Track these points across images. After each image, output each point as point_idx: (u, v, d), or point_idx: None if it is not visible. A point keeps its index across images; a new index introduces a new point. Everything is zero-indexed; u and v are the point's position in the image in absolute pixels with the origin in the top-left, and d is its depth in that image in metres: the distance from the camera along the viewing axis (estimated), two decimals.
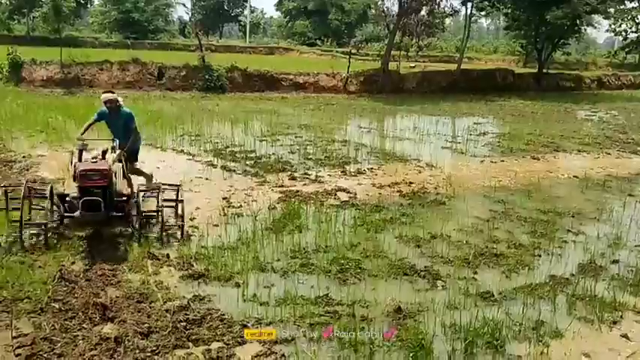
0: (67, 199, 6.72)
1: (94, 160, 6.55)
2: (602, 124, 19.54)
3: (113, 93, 7.74)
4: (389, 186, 9.91)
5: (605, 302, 5.64)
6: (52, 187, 6.79)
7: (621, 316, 5.42)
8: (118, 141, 7.47)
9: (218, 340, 4.69)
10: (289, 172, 10.44)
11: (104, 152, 7.00)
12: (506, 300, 5.66)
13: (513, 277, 6.27)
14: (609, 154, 14.11)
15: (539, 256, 6.94)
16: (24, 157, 10.59)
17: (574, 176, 11.40)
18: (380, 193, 9.42)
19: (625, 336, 5.06)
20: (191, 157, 11.43)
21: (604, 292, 5.89)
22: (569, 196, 9.86)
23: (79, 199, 6.34)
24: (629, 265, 6.71)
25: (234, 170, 10.49)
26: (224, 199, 8.66)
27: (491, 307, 5.47)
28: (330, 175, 10.47)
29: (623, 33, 46.26)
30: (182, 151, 11.95)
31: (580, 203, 9.41)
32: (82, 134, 7.49)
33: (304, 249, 6.72)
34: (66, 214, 6.64)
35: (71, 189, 7.00)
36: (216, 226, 7.45)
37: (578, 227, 8.08)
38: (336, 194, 9.19)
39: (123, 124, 7.71)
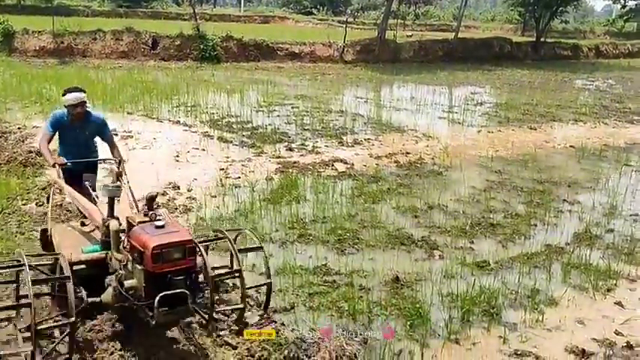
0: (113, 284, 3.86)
1: (159, 221, 3.73)
2: (599, 94, 19.49)
3: (82, 91, 5.25)
4: (386, 156, 9.92)
5: (600, 270, 5.72)
6: (63, 261, 3.85)
7: (615, 284, 5.50)
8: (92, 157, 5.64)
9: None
10: (286, 143, 10.41)
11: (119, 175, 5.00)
12: (502, 269, 5.73)
13: (509, 246, 6.33)
14: (606, 123, 14.11)
15: (535, 225, 7.00)
16: (19, 128, 10.51)
17: (570, 146, 11.42)
18: (377, 164, 9.42)
19: (619, 303, 5.14)
20: (187, 127, 11.37)
21: (598, 261, 5.96)
22: (565, 166, 9.89)
23: (150, 292, 3.60)
24: (623, 234, 6.78)
25: (231, 141, 10.45)
26: (221, 170, 8.66)
27: (488, 275, 5.54)
28: (327, 146, 10.45)
29: (622, 1, 45.74)
30: (178, 121, 11.88)
31: (576, 173, 9.45)
32: (52, 157, 5.18)
33: (302, 220, 6.76)
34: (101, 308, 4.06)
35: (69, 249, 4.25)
36: (214, 197, 7.46)
37: (574, 197, 8.14)
38: (333, 165, 9.19)
39: (91, 134, 5.48)
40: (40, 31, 21.55)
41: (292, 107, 14.03)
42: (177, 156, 9.38)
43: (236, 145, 10.25)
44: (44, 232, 4.91)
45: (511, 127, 13.14)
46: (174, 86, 16.01)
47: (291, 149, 10.07)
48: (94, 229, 4.49)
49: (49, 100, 12.95)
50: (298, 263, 5.61)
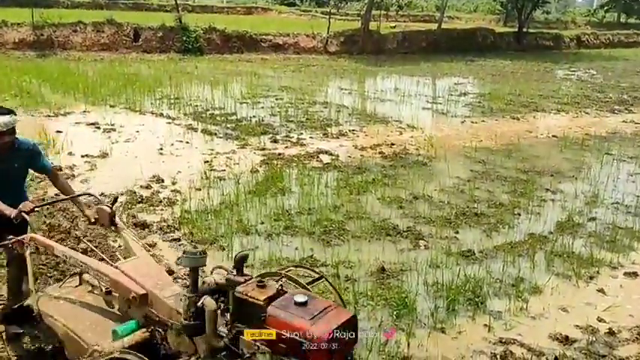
0: None
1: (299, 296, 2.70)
2: (580, 84, 19.67)
3: (12, 112, 3.75)
4: (370, 148, 9.93)
5: (583, 258, 5.80)
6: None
7: (598, 272, 5.57)
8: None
9: None
10: (271, 135, 10.38)
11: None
12: (486, 258, 5.77)
13: (494, 235, 6.38)
14: (587, 113, 14.26)
15: (519, 214, 7.06)
16: None
17: (553, 136, 11.53)
18: (362, 155, 9.44)
19: (601, 290, 5.21)
20: (171, 120, 11.27)
21: (581, 249, 6.04)
22: (548, 156, 9.99)
23: None
24: (605, 222, 6.87)
25: (215, 133, 10.39)
26: (206, 162, 8.61)
27: (473, 265, 5.59)
28: (311, 138, 10.44)
29: None
30: (161, 114, 11.78)
31: (559, 162, 9.54)
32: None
33: (288, 211, 6.75)
34: None
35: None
36: (199, 190, 7.42)
37: (557, 186, 8.22)
38: (318, 156, 9.18)
39: (21, 168, 4.06)
40: (19, 23, 21.14)
41: (276, 99, 13.97)
42: (161, 149, 9.31)
43: (220, 137, 10.20)
44: (19, 310, 3.67)
45: (495, 117, 13.22)
46: (156, 79, 15.86)
47: (275, 141, 10.04)
48: (90, 290, 3.43)
49: (29, 94, 12.77)
50: (284, 255, 5.61)
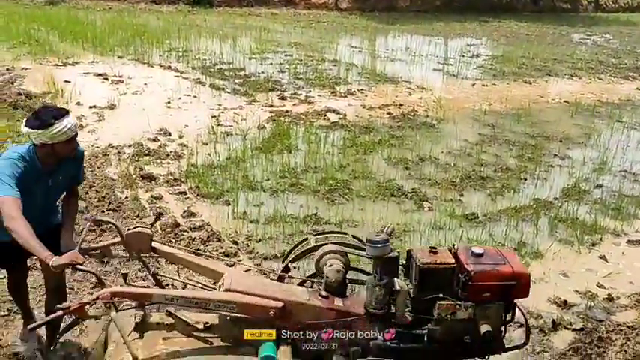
0: None
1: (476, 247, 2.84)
2: (596, 48, 19.27)
3: (68, 112, 3.04)
4: (379, 108, 9.85)
5: (586, 225, 5.81)
6: None
7: (600, 239, 5.60)
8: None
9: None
10: (279, 92, 10.30)
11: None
12: (490, 222, 5.80)
13: (498, 199, 6.39)
14: (601, 79, 14.02)
15: (525, 179, 7.05)
16: (7, 69, 10.31)
17: (564, 101, 11.38)
18: (370, 115, 9.38)
19: (603, 257, 5.25)
20: (179, 73, 11.19)
21: (585, 216, 6.05)
22: (558, 121, 9.88)
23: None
24: (611, 190, 6.85)
25: (223, 88, 10.33)
26: (213, 117, 8.59)
27: (476, 228, 5.62)
28: (320, 96, 10.35)
29: None
30: (169, 67, 11.69)
31: (568, 128, 9.45)
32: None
33: (293, 169, 6.77)
34: None
35: None
36: (206, 144, 7.43)
37: (565, 152, 8.17)
38: (325, 115, 9.13)
39: (66, 182, 3.28)
40: None
41: (285, 55, 13.80)
42: (169, 102, 9.28)
43: (228, 92, 10.14)
44: None
45: (506, 80, 13.03)
46: (165, 30, 15.66)
47: (283, 98, 9.97)
48: (167, 336, 2.64)
49: (37, 42, 12.67)
50: (289, 212, 5.66)
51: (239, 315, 2.61)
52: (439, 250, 2.82)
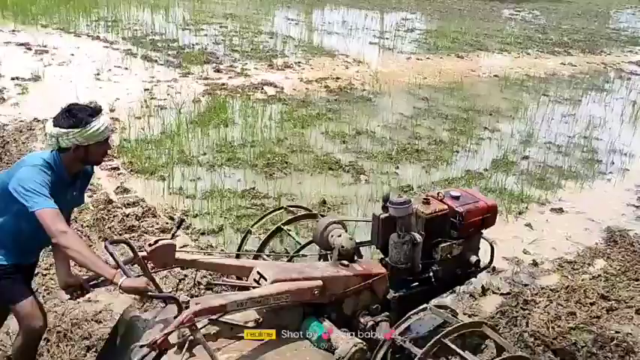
0: None
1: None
2: (524, 24, 19.92)
3: (101, 110, 2.72)
4: (316, 81, 9.85)
5: (514, 195, 6.08)
6: None
7: (527, 208, 5.88)
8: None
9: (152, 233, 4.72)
10: (214, 64, 10.09)
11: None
12: (424, 193, 5.94)
13: (432, 171, 6.58)
14: (529, 54, 14.54)
15: (457, 152, 7.28)
16: None
17: (494, 75, 11.74)
18: (307, 88, 9.36)
19: (528, 225, 5.52)
20: (108, 44, 10.73)
21: (513, 186, 6.33)
22: (488, 95, 10.21)
23: None
24: (537, 161, 7.19)
25: (156, 60, 10.00)
26: (146, 90, 8.34)
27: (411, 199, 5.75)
28: (256, 69, 10.22)
29: None
30: (98, 37, 11.19)
31: (498, 102, 9.79)
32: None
33: (230, 143, 6.69)
34: None
35: None
36: (139, 118, 7.22)
37: (495, 125, 8.47)
38: (263, 88, 9.04)
39: (80, 192, 2.97)
40: None
41: (221, 27, 13.49)
42: (98, 74, 8.90)
43: (161, 64, 9.84)
44: None
45: (440, 55, 13.28)
46: None
47: (219, 71, 9.78)
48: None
49: None
50: (226, 186, 5.61)
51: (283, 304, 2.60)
52: (430, 199, 3.10)
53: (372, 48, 13.39)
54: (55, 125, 2.58)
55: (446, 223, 3.09)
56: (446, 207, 3.08)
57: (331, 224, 3.00)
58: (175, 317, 2.27)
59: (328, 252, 3.02)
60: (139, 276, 2.44)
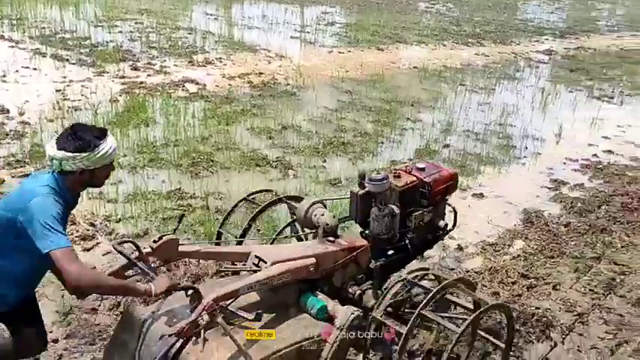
0: None
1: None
2: (439, 17, 20.56)
3: (106, 131, 2.62)
4: (239, 77, 9.72)
5: None
6: None
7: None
8: None
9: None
10: (131, 62, 9.73)
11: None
12: (352, 185, 5.98)
13: (359, 163, 6.66)
14: (444, 45, 15.02)
15: (382, 143, 7.41)
16: None
17: (414, 67, 12.05)
18: (230, 84, 9.22)
19: (452, 211, 5.69)
20: (14, 44, 10.11)
21: None
22: (409, 86, 10.46)
23: None
24: (457, 149, 7.45)
25: (68, 59, 9.52)
26: (58, 91, 7.92)
27: (339, 191, 5.81)
28: (176, 66, 9.96)
29: None
30: (2, 36, 10.51)
31: (418, 92, 10.05)
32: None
33: (152, 143, 6.49)
34: None
35: None
36: (52, 121, 6.85)
37: (416, 115, 8.70)
38: (183, 85, 8.82)
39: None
40: None
41: (136, 23, 13.02)
42: (4, 76, 8.37)
43: (73, 63, 9.37)
44: None
45: (360, 47, 13.47)
46: None
47: (136, 68, 9.45)
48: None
49: None
50: (150, 188, 5.44)
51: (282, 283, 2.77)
52: (400, 173, 3.41)
53: (294, 42, 13.38)
54: (59, 148, 2.41)
55: (416, 193, 3.41)
56: (415, 179, 3.40)
57: (313, 204, 3.21)
58: (194, 306, 2.42)
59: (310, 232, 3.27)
60: (153, 275, 2.54)
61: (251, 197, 3.85)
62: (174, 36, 12.11)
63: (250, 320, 2.50)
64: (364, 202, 3.29)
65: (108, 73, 9.02)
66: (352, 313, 2.78)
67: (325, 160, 6.63)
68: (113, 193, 5.31)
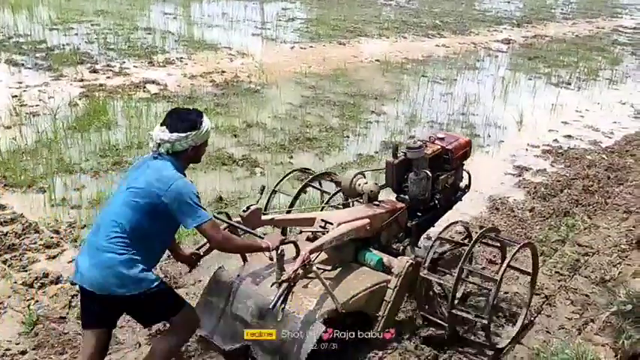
0: None
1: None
2: (399, 9, 20.71)
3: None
4: (201, 76, 9.61)
5: None
6: None
7: None
8: None
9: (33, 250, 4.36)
10: (89, 65, 9.53)
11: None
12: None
13: (326, 158, 6.67)
14: (405, 37, 15.16)
15: (348, 137, 7.44)
16: None
17: (376, 60, 12.12)
18: (192, 84, 9.11)
19: None
20: None
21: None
22: (372, 79, 10.52)
23: None
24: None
25: (23, 64, 9.27)
26: (14, 97, 7.69)
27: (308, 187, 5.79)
28: (136, 67, 9.79)
29: None
30: None
31: (381, 85, 10.12)
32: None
33: (115, 146, 6.36)
34: None
35: None
36: (9, 128, 6.66)
37: (381, 108, 8.75)
38: (144, 86, 8.67)
39: None
40: None
41: (92, 24, 12.74)
42: None
43: (29, 68, 9.13)
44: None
45: (322, 42, 13.48)
46: None
47: (95, 71, 9.25)
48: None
49: None
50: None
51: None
52: (427, 143, 3.91)
53: (255, 39, 13.31)
54: (172, 131, 2.71)
55: (441, 159, 3.95)
56: (439, 147, 3.93)
57: (356, 175, 3.72)
58: (295, 257, 2.88)
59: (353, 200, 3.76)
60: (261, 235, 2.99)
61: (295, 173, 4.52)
62: (133, 37, 11.89)
63: (329, 271, 3.19)
64: (399, 170, 3.81)
65: (66, 76, 8.80)
66: (407, 262, 3.34)
67: (292, 157, 6.61)
68: (77, 199, 5.20)
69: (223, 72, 9.96)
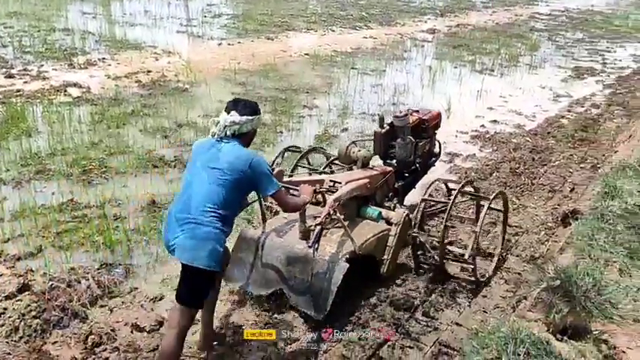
0: None
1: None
2: (325, 2, 20.80)
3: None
4: (126, 77, 9.29)
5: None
6: None
7: None
8: None
9: None
10: (4, 69, 9.03)
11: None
12: None
13: (260, 154, 6.58)
14: (333, 30, 15.24)
15: (281, 132, 7.40)
16: None
17: (305, 54, 12.11)
18: (116, 85, 8.79)
19: None
20: None
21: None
22: (302, 74, 10.51)
23: None
24: (356, 131, 7.57)
25: None
26: None
27: None
28: (55, 70, 9.34)
29: None
30: None
31: (312, 79, 10.13)
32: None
33: (37, 154, 6.06)
34: None
35: None
36: None
37: (312, 102, 8.76)
38: (66, 90, 8.30)
39: None
40: None
41: (5, 27, 12.08)
42: None
43: None
44: None
45: (250, 38, 13.35)
46: None
47: (11, 76, 8.76)
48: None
49: None
50: (39, 202, 5.06)
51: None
52: (407, 113, 4.60)
53: (181, 37, 13.01)
54: (241, 115, 3.06)
55: (419, 128, 4.70)
56: (417, 117, 4.71)
57: (350, 144, 4.50)
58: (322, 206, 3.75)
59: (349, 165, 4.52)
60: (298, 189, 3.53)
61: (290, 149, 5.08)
62: (50, 38, 11.36)
63: (344, 220, 3.67)
64: (385, 139, 4.56)
65: None
66: (404, 212, 4.12)
67: None
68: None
69: (149, 72, 9.68)
